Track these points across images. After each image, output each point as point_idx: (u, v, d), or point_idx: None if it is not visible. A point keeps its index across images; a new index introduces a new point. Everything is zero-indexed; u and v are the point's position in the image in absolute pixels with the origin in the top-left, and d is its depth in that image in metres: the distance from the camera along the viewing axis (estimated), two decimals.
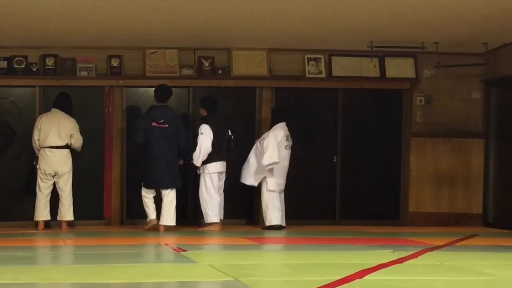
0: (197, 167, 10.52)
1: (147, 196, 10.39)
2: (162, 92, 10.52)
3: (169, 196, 10.33)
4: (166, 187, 10.33)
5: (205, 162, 10.47)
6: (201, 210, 10.61)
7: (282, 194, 10.89)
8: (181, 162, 10.52)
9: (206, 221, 10.54)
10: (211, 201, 10.47)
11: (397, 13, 9.27)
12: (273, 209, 10.68)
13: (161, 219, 10.34)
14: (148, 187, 10.37)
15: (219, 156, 10.53)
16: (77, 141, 10.74)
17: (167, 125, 10.26)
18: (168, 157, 10.28)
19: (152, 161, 10.22)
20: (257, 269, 6.64)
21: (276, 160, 10.53)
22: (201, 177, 10.55)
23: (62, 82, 11.22)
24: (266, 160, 10.53)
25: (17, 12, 9.15)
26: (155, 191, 10.45)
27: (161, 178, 10.28)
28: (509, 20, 9.50)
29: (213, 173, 10.51)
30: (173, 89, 11.49)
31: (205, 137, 10.41)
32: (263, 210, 10.78)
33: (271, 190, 10.69)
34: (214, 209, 10.48)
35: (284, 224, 10.79)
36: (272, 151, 10.53)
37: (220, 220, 10.66)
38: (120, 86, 11.41)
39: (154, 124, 10.23)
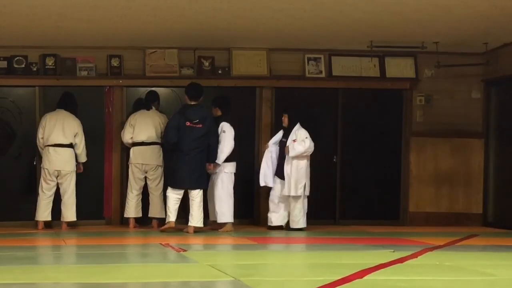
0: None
1: (171, 198, 10.08)
2: (196, 91, 10.26)
3: (198, 197, 10.09)
4: (194, 188, 10.09)
5: (224, 161, 10.44)
6: (214, 210, 10.57)
7: None
8: (211, 166, 10.25)
9: (220, 221, 10.44)
10: (229, 200, 10.41)
11: (397, 13, 9.28)
12: (304, 212, 10.64)
13: (190, 220, 10.09)
14: (174, 186, 10.09)
15: (234, 156, 10.52)
16: (81, 141, 10.69)
17: (201, 125, 10.05)
18: (198, 157, 10.07)
19: (183, 161, 9.99)
20: (257, 269, 6.64)
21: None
22: (218, 176, 10.42)
23: (62, 82, 11.22)
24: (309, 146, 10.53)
25: (17, 12, 9.15)
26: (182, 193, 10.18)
27: (188, 178, 10.03)
28: (509, 20, 9.51)
29: (231, 173, 10.48)
30: (173, 89, 11.53)
31: (229, 135, 10.39)
32: (298, 214, 10.56)
33: (307, 195, 10.63)
34: (231, 208, 10.42)
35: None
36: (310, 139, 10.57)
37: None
38: (120, 86, 11.41)
39: (188, 123, 10.02)
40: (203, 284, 5.82)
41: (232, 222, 10.51)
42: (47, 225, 10.70)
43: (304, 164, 10.57)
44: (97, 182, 11.40)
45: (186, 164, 10.01)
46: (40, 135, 10.67)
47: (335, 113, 11.92)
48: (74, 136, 10.65)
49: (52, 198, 10.67)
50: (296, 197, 10.53)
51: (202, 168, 10.15)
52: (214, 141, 10.21)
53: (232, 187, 10.49)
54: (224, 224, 10.46)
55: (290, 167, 10.53)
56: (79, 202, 10.81)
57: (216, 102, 10.68)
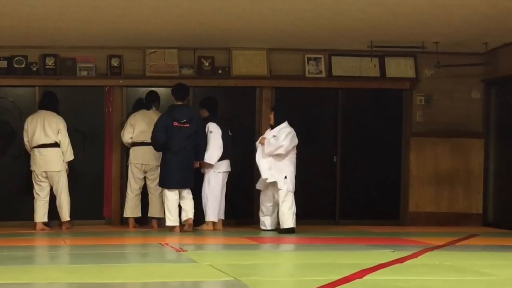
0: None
1: (170, 199, 10.16)
2: (181, 91, 10.38)
3: (189, 196, 10.24)
4: (183, 187, 10.19)
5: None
6: (202, 209, 10.59)
7: None
8: (197, 164, 10.34)
9: (205, 220, 10.52)
10: (214, 200, 10.44)
11: (397, 13, 9.28)
12: (292, 211, 10.19)
13: (184, 215, 10.21)
14: (171, 187, 10.17)
15: (226, 155, 10.52)
16: (65, 139, 10.56)
17: (188, 125, 10.14)
18: (187, 157, 10.16)
19: (173, 161, 10.09)
20: (257, 269, 6.64)
21: (288, 148, 10.15)
22: (206, 175, 10.51)
23: (62, 82, 11.22)
24: (285, 142, 10.08)
25: (17, 12, 9.15)
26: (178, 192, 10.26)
27: (178, 178, 10.13)
28: (509, 20, 9.51)
29: (219, 172, 10.49)
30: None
31: (216, 135, 10.41)
32: (282, 212, 10.18)
33: (291, 191, 10.19)
34: (215, 208, 10.46)
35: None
36: (289, 140, 10.12)
37: (222, 220, 10.67)
38: (120, 86, 11.42)
39: (175, 124, 10.11)
40: (203, 284, 5.82)
41: (215, 222, 10.49)
42: (46, 225, 10.66)
43: (283, 157, 10.22)
44: (97, 182, 11.39)
45: (176, 164, 10.10)
46: (25, 138, 10.63)
47: (335, 113, 11.92)
48: (57, 134, 10.59)
49: (47, 198, 10.62)
50: (283, 193, 10.15)
51: (190, 168, 10.24)
52: (202, 140, 10.27)
53: (219, 186, 10.49)
54: (208, 222, 10.50)
55: (261, 154, 10.26)
56: (79, 202, 10.80)
57: (203, 103, 10.72)
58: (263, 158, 10.28)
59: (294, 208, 10.21)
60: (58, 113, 10.71)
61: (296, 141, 10.33)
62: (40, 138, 10.52)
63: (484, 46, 11.20)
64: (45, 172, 10.55)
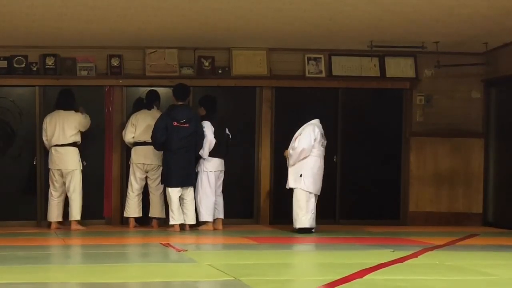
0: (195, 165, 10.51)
1: (174, 198, 10.24)
2: (182, 91, 10.49)
3: (190, 195, 10.33)
4: (183, 186, 10.27)
5: (203, 160, 10.46)
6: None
7: (316, 197, 10.31)
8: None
9: (199, 220, 10.52)
10: (206, 199, 10.44)
11: (397, 13, 9.28)
12: (306, 211, 10.10)
13: (185, 218, 10.31)
14: (175, 185, 10.23)
15: (218, 154, 10.53)
16: (85, 124, 10.69)
17: (187, 125, 10.23)
18: (186, 156, 10.26)
19: (175, 160, 10.18)
20: (257, 269, 6.64)
21: (307, 145, 10.04)
22: (199, 175, 10.51)
23: (62, 81, 11.23)
24: (300, 144, 10.01)
25: (17, 12, 9.15)
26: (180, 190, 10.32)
27: (178, 177, 10.22)
28: (509, 20, 9.51)
29: (210, 171, 10.49)
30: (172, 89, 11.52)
31: (208, 131, 10.43)
32: (296, 212, 10.11)
33: (306, 191, 10.09)
34: (208, 207, 10.45)
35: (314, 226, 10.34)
36: (306, 138, 10.04)
37: (222, 219, 10.67)
38: (120, 85, 11.42)
39: (175, 123, 10.20)
40: (203, 284, 5.82)
41: (210, 221, 10.49)
42: (61, 224, 10.76)
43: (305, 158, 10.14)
44: (97, 182, 11.39)
45: (176, 163, 10.19)
46: (44, 137, 10.74)
47: (335, 113, 11.91)
48: (77, 132, 10.63)
49: (61, 198, 10.72)
50: (296, 193, 10.10)
51: (190, 167, 10.32)
52: (200, 139, 10.34)
53: (211, 185, 10.47)
54: (204, 222, 10.51)
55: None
56: None
57: (201, 102, 10.78)
58: (289, 167, 10.22)
59: (309, 208, 10.10)
60: (76, 110, 10.75)
61: (315, 137, 10.12)
62: (59, 138, 10.59)
63: (484, 46, 11.20)
64: (60, 170, 10.60)
